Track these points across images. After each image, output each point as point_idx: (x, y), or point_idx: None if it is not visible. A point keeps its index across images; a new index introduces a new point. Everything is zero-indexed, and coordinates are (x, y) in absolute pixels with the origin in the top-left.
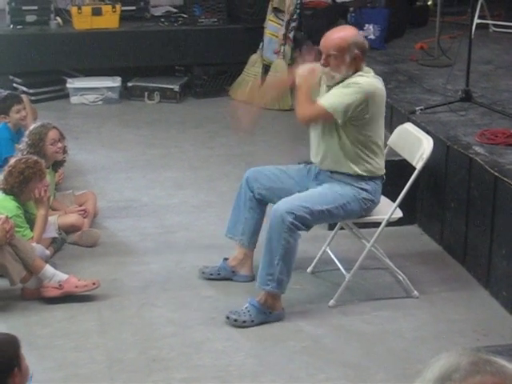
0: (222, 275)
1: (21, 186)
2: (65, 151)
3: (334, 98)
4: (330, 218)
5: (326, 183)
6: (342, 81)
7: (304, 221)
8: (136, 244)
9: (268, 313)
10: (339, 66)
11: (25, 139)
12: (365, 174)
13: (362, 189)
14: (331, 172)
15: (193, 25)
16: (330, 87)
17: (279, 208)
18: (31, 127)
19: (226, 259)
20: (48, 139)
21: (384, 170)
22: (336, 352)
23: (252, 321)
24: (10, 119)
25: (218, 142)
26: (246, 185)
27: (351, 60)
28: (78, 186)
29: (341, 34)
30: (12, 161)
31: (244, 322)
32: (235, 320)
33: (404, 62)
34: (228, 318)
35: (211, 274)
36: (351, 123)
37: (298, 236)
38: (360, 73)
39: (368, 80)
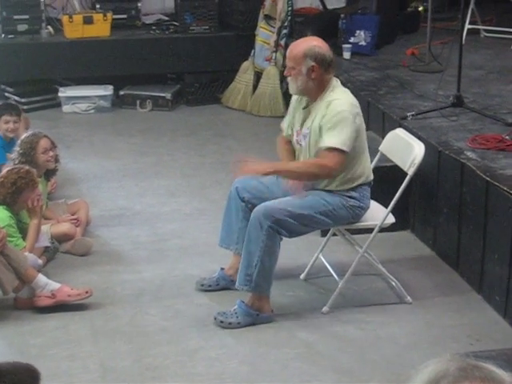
0: (221, 285)
1: (13, 196)
2: (57, 160)
3: (340, 135)
4: (314, 223)
5: (314, 190)
6: (325, 115)
7: (284, 224)
8: (129, 252)
9: (255, 315)
10: (297, 76)
11: (16, 148)
12: (353, 185)
13: (349, 197)
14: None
15: (184, 33)
16: (305, 109)
17: (258, 211)
18: (22, 136)
19: (222, 269)
20: (39, 148)
21: (372, 176)
22: (329, 358)
23: (238, 323)
24: (0, 128)
25: (210, 149)
26: (237, 195)
27: (308, 71)
28: (71, 194)
29: (298, 46)
30: (4, 171)
31: (230, 323)
32: (221, 321)
33: (395, 67)
34: (215, 318)
35: (210, 286)
36: None
37: (279, 239)
38: (335, 96)
39: (344, 102)
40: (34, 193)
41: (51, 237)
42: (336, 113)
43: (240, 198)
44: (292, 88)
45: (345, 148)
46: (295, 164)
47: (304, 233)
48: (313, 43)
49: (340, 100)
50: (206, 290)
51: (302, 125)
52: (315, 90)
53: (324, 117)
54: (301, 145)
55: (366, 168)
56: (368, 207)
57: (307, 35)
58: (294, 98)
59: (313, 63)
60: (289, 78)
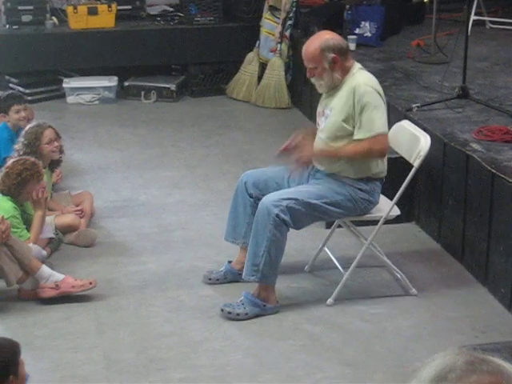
0: (229, 279)
1: (18, 187)
2: (61, 151)
3: (372, 121)
4: (322, 213)
5: (324, 181)
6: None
7: (292, 213)
8: (133, 244)
9: (262, 306)
10: (321, 74)
11: (21, 139)
12: (365, 176)
13: (359, 189)
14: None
15: (189, 23)
16: (329, 95)
17: (266, 200)
18: (27, 127)
19: (230, 262)
20: (44, 138)
21: (385, 173)
22: (334, 350)
23: (246, 314)
24: (10, 119)
25: (215, 140)
26: (245, 190)
27: (331, 64)
28: (75, 185)
29: (313, 44)
30: (9, 162)
31: (238, 314)
32: (229, 312)
33: (400, 59)
34: (222, 310)
35: (217, 280)
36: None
37: (285, 230)
38: (358, 80)
39: (364, 80)
40: (39, 185)
41: (55, 228)
42: (365, 101)
43: (248, 193)
44: (321, 87)
45: (382, 130)
46: (348, 150)
47: (310, 223)
48: (325, 37)
49: (362, 84)
50: (214, 284)
51: (324, 107)
52: (342, 79)
53: (352, 105)
54: (320, 125)
55: (383, 162)
56: (377, 202)
57: (315, 31)
58: None
59: (332, 55)
60: (313, 79)
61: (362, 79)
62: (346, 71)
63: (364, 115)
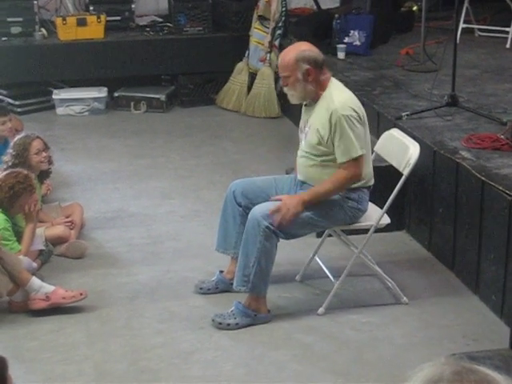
0: (220, 288)
1: (11, 200)
2: (50, 161)
3: (348, 146)
4: (312, 225)
5: None
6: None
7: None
8: (123, 255)
9: (253, 315)
10: (294, 84)
11: (9, 150)
12: (353, 185)
13: (347, 198)
14: None
15: (178, 34)
16: (308, 110)
17: (256, 212)
18: (15, 138)
19: (221, 272)
20: (32, 149)
21: (372, 181)
22: (326, 360)
23: (237, 324)
24: None
25: (205, 150)
26: (234, 200)
27: (304, 75)
28: (65, 197)
29: (289, 54)
30: (2, 175)
31: (228, 324)
32: (220, 323)
33: (390, 67)
34: (213, 320)
35: (209, 289)
36: None
37: (276, 240)
38: (335, 102)
39: (342, 101)
40: (32, 198)
41: (45, 240)
42: (343, 126)
43: (237, 203)
44: (292, 97)
45: (359, 153)
46: (325, 186)
47: (301, 235)
48: (302, 48)
49: (339, 108)
50: (206, 294)
51: (305, 122)
52: (315, 92)
53: (326, 127)
54: (301, 141)
55: (367, 173)
56: (366, 210)
57: (293, 42)
58: None
59: (307, 66)
60: (286, 89)
61: (340, 100)
62: (321, 85)
63: (342, 139)
